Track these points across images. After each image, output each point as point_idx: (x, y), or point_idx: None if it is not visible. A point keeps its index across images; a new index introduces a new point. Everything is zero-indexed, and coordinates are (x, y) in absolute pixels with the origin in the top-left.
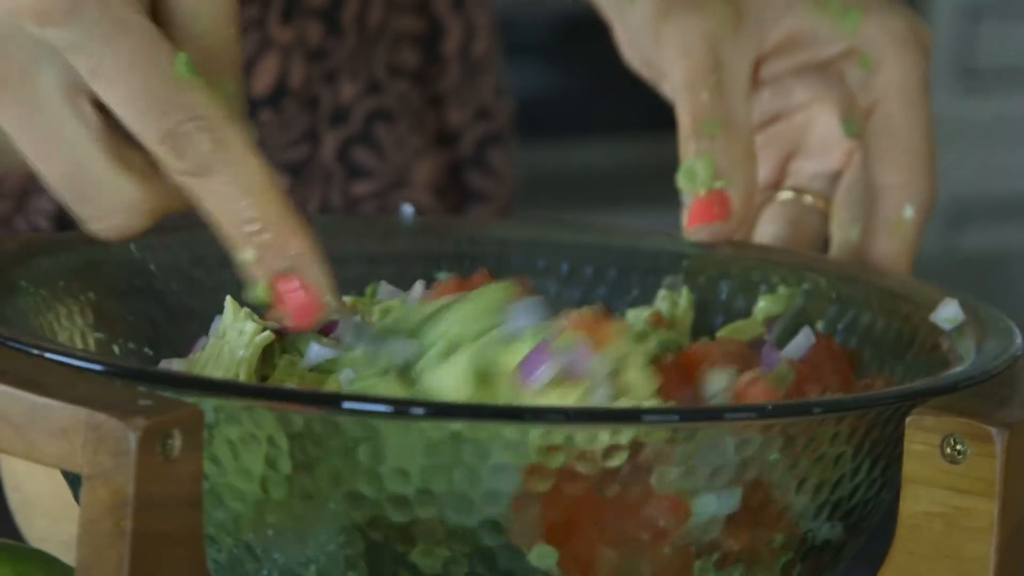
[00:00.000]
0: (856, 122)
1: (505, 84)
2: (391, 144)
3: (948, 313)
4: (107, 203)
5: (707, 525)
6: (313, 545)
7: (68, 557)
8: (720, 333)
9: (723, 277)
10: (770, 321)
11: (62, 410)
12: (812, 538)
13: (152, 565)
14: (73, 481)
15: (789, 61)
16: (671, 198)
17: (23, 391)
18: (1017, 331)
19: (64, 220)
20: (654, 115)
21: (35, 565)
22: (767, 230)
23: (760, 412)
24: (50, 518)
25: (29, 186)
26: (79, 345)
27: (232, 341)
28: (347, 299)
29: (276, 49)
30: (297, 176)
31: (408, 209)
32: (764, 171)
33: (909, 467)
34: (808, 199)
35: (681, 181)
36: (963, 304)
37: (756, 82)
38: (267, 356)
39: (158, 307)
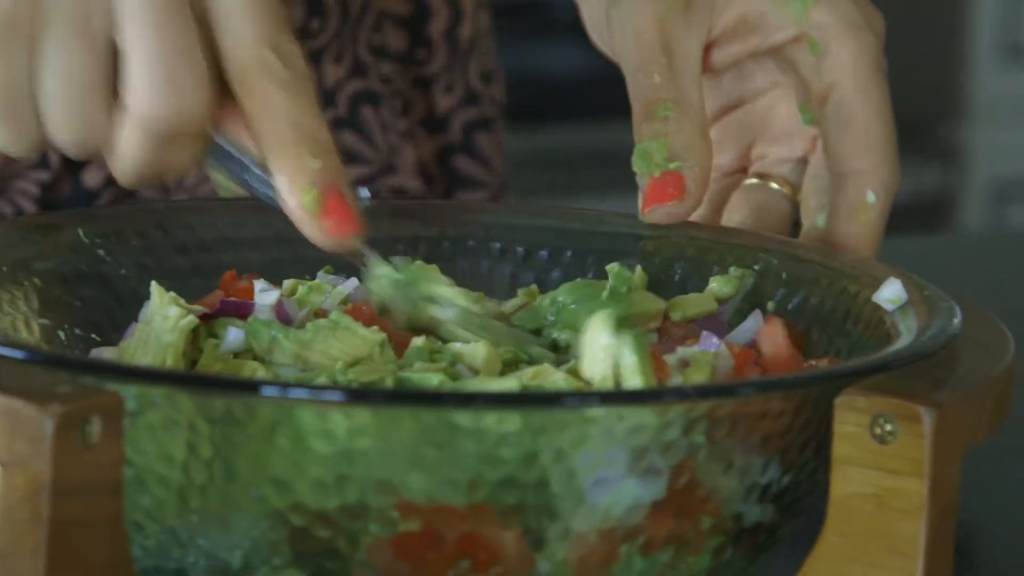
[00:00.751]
0: (812, 109)
1: (496, 70)
2: (378, 128)
3: (890, 293)
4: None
5: (630, 511)
6: (237, 531)
7: None
8: (672, 305)
9: (678, 258)
10: (722, 302)
11: None
12: (742, 521)
13: (71, 552)
14: None
15: (741, 45)
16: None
17: None
18: (958, 311)
19: (48, 202)
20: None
21: None
22: (733, 217)
23: (681, 395)
24: None
25: (11, 169)
26: (23, 331)
27: (158, 326)
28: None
29: None
30: None
31: (364, 192)
32: (728, 157)
33: (839, 448)
34: (774, 185)
35: (635, 164)
36: (907, 284)
37: (708, 66)
38: (195, 341)
39: (107, 293)
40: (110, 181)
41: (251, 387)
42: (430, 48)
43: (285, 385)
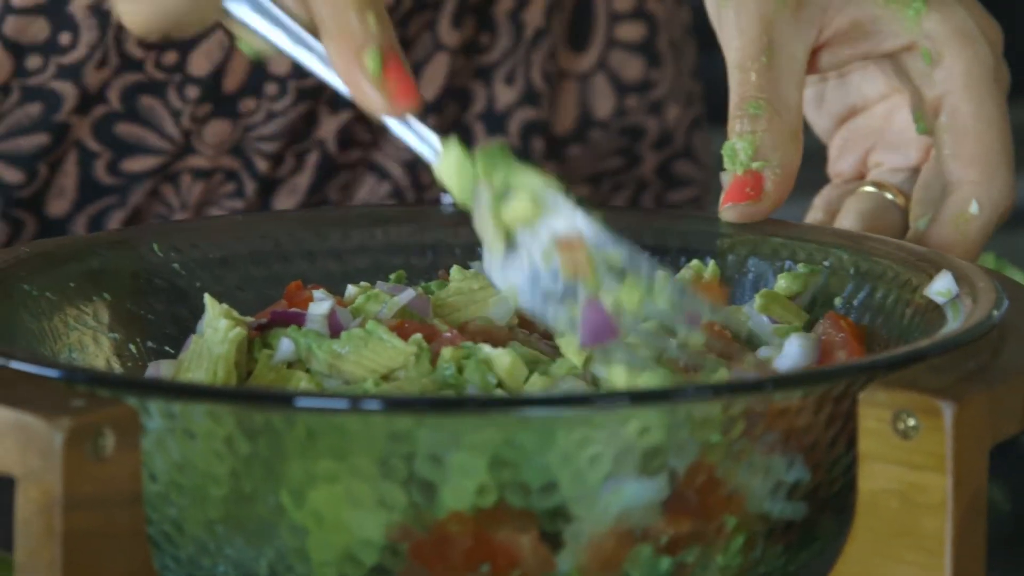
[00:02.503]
0: (925, 118)
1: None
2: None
3: (941, 286)
4: None
5: (640, 512)
6: (261, 540)
7: None
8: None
9: (751, 255)
10: (792, 299)
11: None
12: (771, 519)
13: (88, 563)
14: None
15: (852, 50)
16: None
17: None
18: (1004, 304)
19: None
20: None
21: None
22: (845, 223)
23: (715, 391)
24: None
25: None
26: (91, 346)
27: (210, 338)
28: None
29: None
30: None
31: (448, 198)
32: (848, 164)
33: (864, 443)
34: (888, 195)
35: (724, 160)
36: (959, 277)
37: (816, 67)
38: (251, 351)
39: (182, 306)
40: (76, 207)
41: (286, 399)
42: (494, 32)
43: (315, 395)
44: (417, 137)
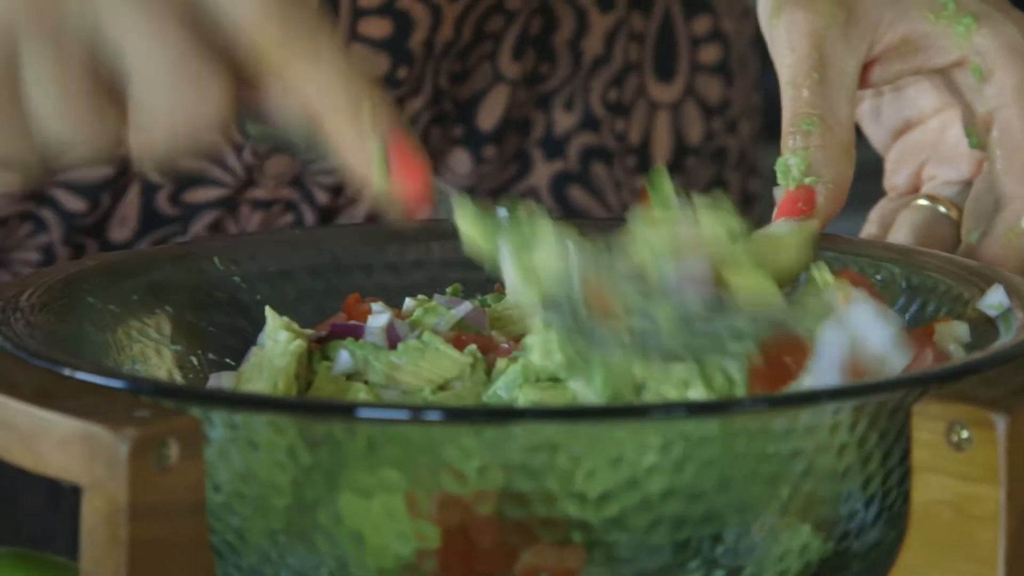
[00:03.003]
0: (977, 133)
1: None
2: (611, 186)
3: (993, 300)
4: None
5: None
6: (321, 550)
7: None
8: None
9: (803, 269)
10: None
11: (63, 422)
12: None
13: (152, 572)
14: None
15: (903, 65)
16: None
17: (30, 404)
18: None
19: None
20: None
21: (48, 572)
22: (898, 236)
23: (771, 403)
24: None
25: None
26: (153, 358)
27: (271, 351)
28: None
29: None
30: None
31: (503, 211)
32: (903, 177)
33: (917, 455)
34: (941, 208)
35: (778, 176)
36: (1010, 290)
37: (867, 82)
38: (311, 364)
39: (243, 319)
40: (138, 234)
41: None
42: (553, 62)
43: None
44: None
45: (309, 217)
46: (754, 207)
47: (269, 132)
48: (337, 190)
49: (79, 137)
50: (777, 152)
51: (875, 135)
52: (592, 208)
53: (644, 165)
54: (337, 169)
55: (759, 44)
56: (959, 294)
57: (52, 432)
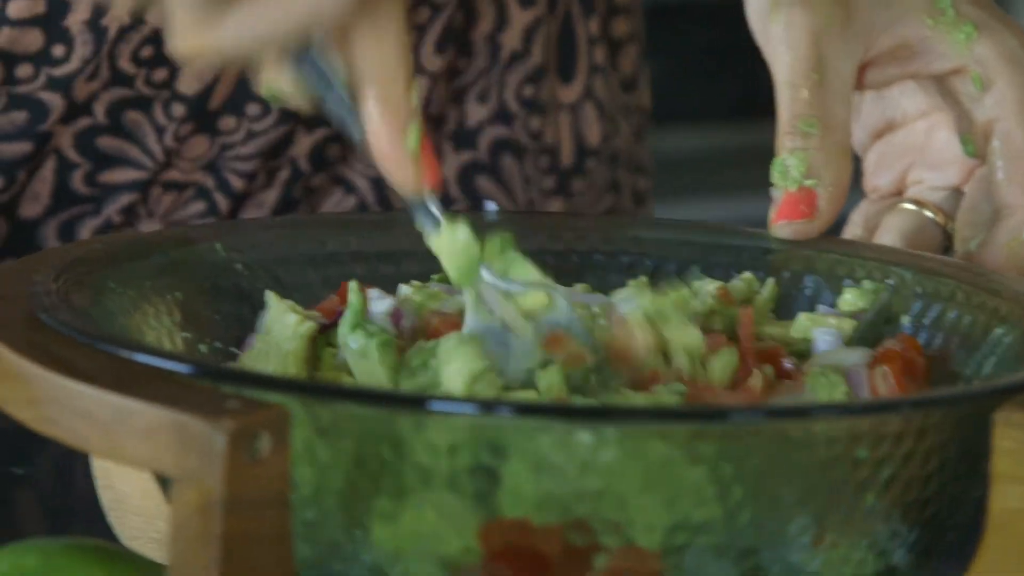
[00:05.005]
0: (975, 141)
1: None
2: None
3: None
4: None
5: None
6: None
7: (160, 555)
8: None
9: (808, 272)
10: (856, 314)
11: (149, 411)
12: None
13: (242, 565)
14: (162, 481)
15: (899, 69)
16: (750, 186)
17: (110, 392)
18: None
19: None
20: (736, 103)
21: (126, 566)
22: (885, 239)
23: (848, 410)
24: (143, 516)
25: None
26: (167, 344)
27: (278, 334)
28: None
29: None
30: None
31: (492, 206)
32: (886, 179)
33: (998, 464)
34: (928, 213)
35: (774, 176)
36: None
37: (862, 84)
38: (313, 351)
39: (245, 306)
40: (49, 212)
41: (418, 402)
42: (471, 56)
43: (454, 400)
44: (424, 209)
45: (222, 203)
46: (647, 205)
47: (281, 93)
48: (252, 176)
49: None
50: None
51: (853, 134)
52: (499, 199)
53: (555, 166)
54: (352, 139)
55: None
56: (982, 301)
57: (135, 422)
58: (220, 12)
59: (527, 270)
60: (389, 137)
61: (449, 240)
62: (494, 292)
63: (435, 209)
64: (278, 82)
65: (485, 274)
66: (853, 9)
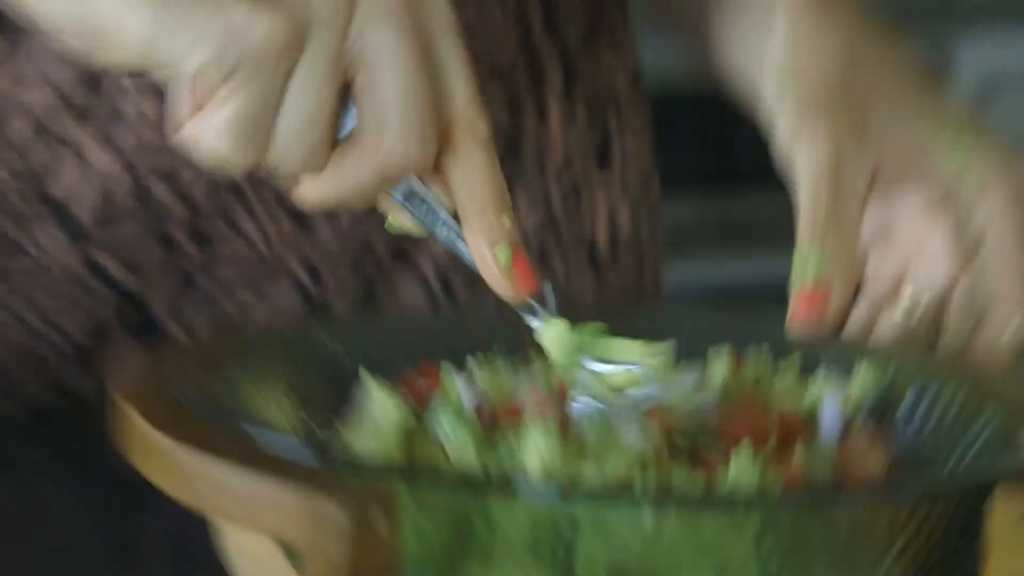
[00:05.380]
0: (965, 244)
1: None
2: None
3: None
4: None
5: None
6: None
7: None
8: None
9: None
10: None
11: (281, 488)
12: None
13: None
14: (287, 549)
15: (903, 173)
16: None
17: (248, 469)
18: None
19: None
20: (710, 174)
21: None
22: (882, 335)
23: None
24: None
25: None
26: (285, 424)
27: (375, 415)
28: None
29: None
30: None
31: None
32: (883, 280)
33: (991, 540)
34: (920, 311)
35: (793, 272)
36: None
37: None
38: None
39: (351, 388)
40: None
41: (507, 485)
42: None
43: (535, 485)
44: (528, 311)
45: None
46: None
47: (405, 228)
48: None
49: (300, 161)
50: None
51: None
52: None
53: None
54: (464, 260)
55: None
56: (970, 391)
57: (270, 497)
58: (322, 171)
59: (627, 348)
60: (481, 254)
61: (551, 334)
62: (590, 375)
63: (537, 311)
64: (398, 218)
65: (584, 360)
66: (869, 118)
